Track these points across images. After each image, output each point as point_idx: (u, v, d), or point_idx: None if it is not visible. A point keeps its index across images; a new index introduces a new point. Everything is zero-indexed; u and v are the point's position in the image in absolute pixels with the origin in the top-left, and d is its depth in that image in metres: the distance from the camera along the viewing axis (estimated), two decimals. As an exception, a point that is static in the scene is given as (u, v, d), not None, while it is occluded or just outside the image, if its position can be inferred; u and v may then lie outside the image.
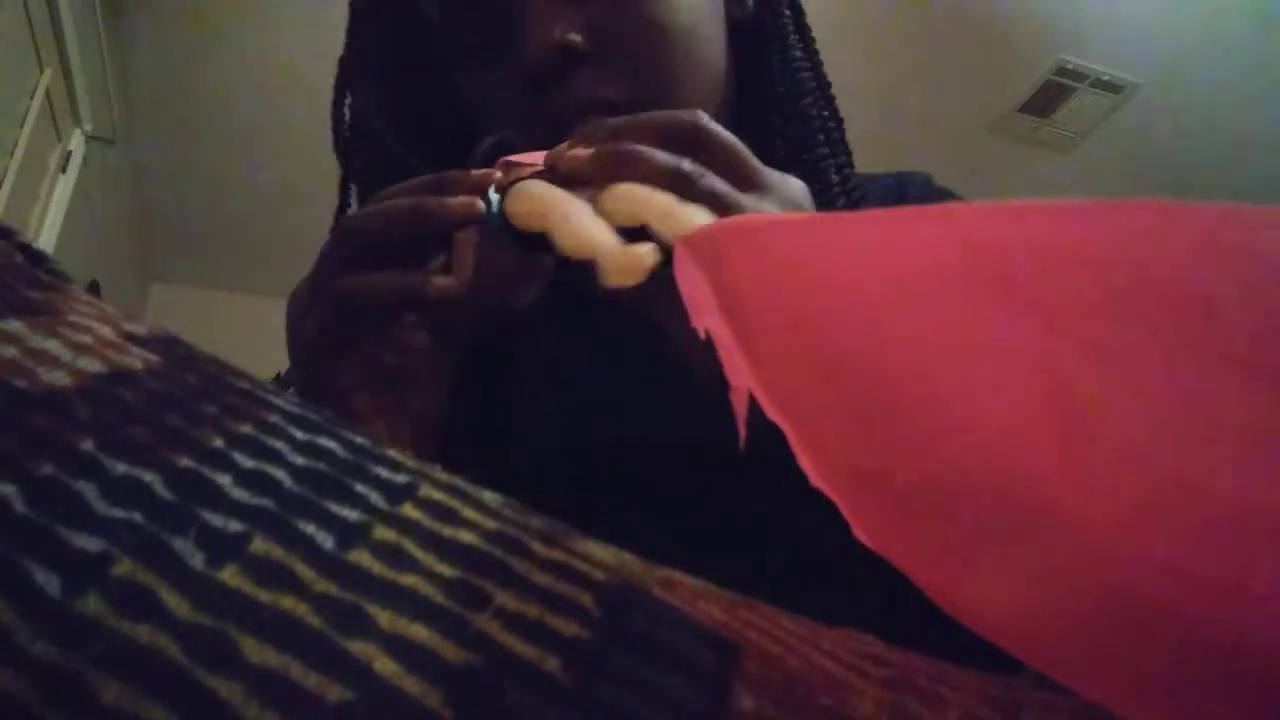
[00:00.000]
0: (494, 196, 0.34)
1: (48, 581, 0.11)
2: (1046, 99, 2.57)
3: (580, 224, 0.30)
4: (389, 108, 0.49)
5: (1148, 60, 2.44)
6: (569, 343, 0.48)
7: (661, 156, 0.31)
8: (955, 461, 0.16)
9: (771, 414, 0.20)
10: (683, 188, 0.30)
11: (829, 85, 0.53)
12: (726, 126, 0.32)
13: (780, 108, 0.50)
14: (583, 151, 0.33)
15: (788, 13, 0.52)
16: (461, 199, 0.34)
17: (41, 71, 1.89)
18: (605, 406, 0.46)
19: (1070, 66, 2.46)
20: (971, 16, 2.33)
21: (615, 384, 0.46)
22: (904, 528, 0.18)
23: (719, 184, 0.31)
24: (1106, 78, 2.49)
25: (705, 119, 0.33)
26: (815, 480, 0.19)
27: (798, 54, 0.51)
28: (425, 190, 0.36)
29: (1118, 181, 2.83)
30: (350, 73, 0.51)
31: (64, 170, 2.14)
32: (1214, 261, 0.12)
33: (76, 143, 2.19)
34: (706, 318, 0.20)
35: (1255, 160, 2.72)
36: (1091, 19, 2.33)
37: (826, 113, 0.52)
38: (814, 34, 0.54)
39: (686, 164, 0.31)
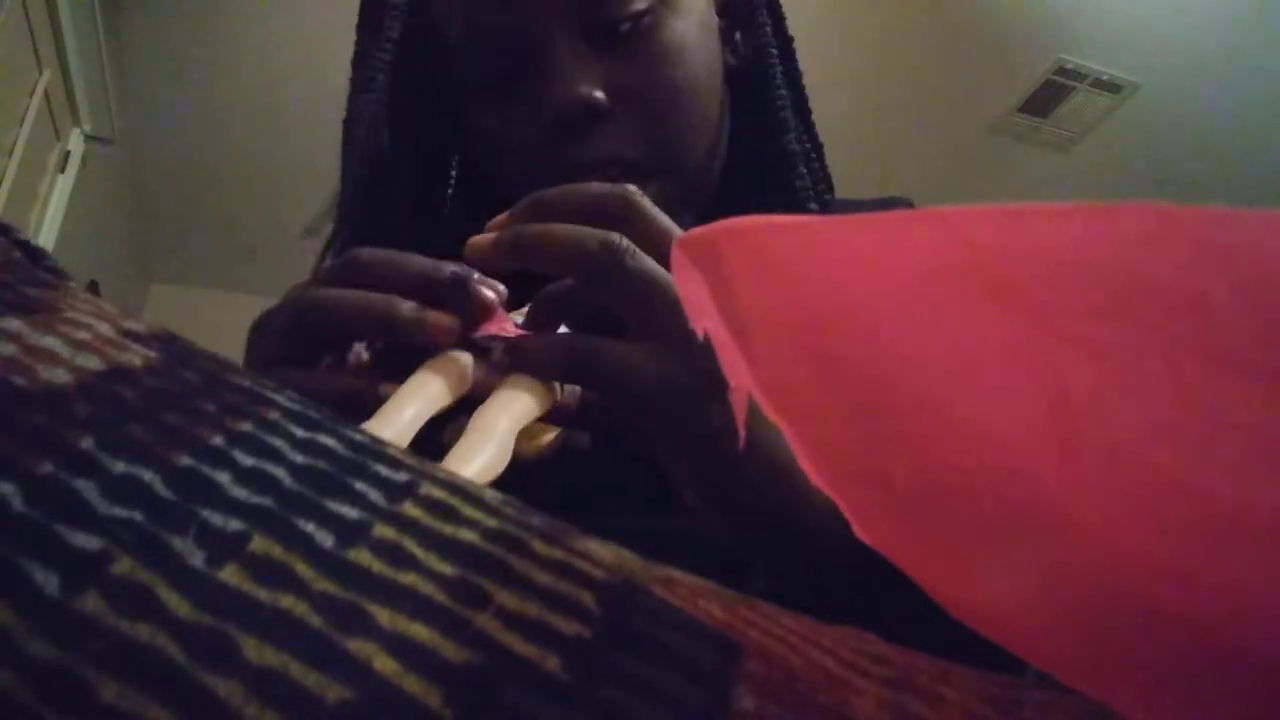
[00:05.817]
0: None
1: (47, 580, 0.11)
2: (1046, 99, 2.57)
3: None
4: (394, 122, 0.49)
5: (1148, 60, 2.44)
6: None
7: (586, 233, 0.30)
8: (955, 462, 0.16)
9: (771, 414, 0.20)
10: (612, 262, 0.30)
11: (810, 113, 0.54)
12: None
13: (763, 144, 0.51)
14: (485, 240, 0.32)
15: (775, 53, 0.53)
16: (444, 322, 0.30)
17: (40, 71, 1.89)
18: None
19: (1069, 66, 2.46)
20: (971, 16, 2.33)
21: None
22: (904, 528, 0.18)
23: (648, 262, 0.30)
24: (1106, 77, 2.49)
25: (636, 195, 0.32)
26: (815, 480, 0.19)
27: (782, 93, 0.52)
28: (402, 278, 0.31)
29: (1117, 182, 2.83)
30: (360, 79, 0.51)
31: (63, 170, 2.14)
32: (1212, 263, 0.12)
33: (75, 142, 2.19)
34: (704, 319, 0.20)
35: (1254, 161, 2.72)
36: (1091, 19, 2.33)
37: (809, 145, 0.53)
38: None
39: (617, 238, 0.30)
